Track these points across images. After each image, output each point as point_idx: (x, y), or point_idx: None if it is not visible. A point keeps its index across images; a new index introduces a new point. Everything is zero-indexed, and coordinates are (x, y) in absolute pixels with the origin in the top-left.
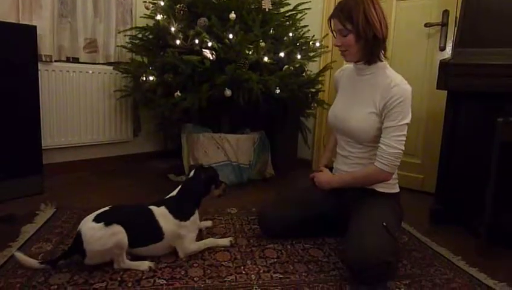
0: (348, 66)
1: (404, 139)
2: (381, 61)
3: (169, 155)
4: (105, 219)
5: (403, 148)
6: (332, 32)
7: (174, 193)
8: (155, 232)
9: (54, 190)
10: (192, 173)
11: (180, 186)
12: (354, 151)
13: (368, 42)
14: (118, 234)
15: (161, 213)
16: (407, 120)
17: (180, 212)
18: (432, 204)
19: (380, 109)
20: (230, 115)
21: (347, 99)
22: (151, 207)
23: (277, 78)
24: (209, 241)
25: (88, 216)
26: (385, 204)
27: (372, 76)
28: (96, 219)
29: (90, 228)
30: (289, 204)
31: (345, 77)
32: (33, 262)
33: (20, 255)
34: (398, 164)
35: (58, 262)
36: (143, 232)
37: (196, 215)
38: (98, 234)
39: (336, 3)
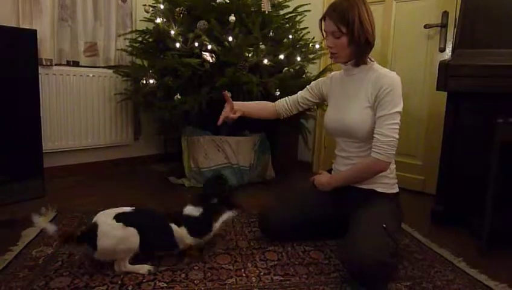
0: (335, 73)
1: (397, 127)
2: (366, 64)
3: (170, 158)
4: (125, 220)
5: (397, 136)
6: (322, 32)
7: (197, 213)
8: (170, 246)
9: (54, 193)
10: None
11: (202, 211)
12: (353, 151)
13: (359, 46)
14: (132, 237)
15: (180, 232)
16: (399, 108)
17: (198, 231)
18: (433, 205)
19: (372, 101)
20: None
21: (340, 100)
22: (172, 225)
23: (277, 80)
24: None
25: (108, 211)
26: (385, 205)
27: (361, 73)
28: (117, 218)
29: (109, 224)
30: (289, 206)
31: (334, 83)
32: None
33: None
34: (393, 152)
35: (75, 239)
36: (158, 243)
37: (210, 234)
38: (114, 233)
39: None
